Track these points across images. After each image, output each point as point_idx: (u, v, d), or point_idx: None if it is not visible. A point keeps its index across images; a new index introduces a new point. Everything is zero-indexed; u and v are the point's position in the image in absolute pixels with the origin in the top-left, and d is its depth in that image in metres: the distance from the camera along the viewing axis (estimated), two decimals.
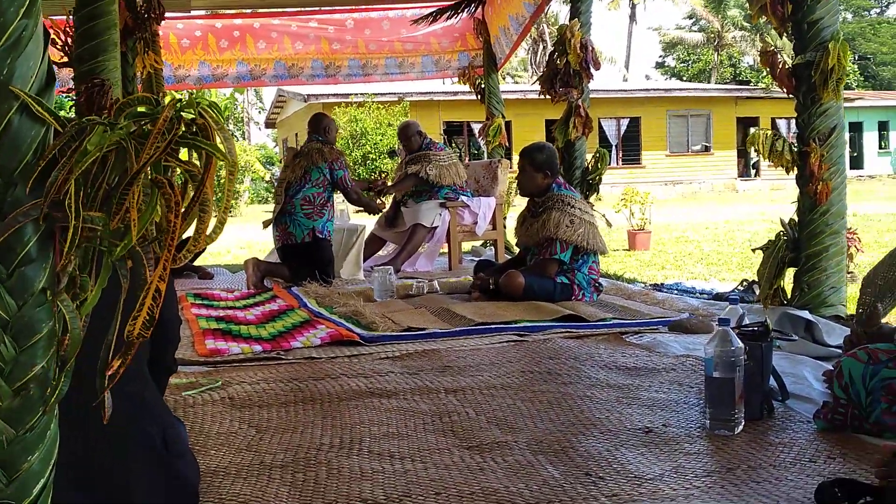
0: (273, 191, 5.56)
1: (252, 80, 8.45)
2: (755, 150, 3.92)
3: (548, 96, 5.99)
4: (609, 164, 12.58)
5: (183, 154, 1.27)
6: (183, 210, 1.23)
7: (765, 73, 28.05)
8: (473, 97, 8.44)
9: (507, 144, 8.24)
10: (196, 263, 6.72)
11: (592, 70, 5.78)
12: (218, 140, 1.27)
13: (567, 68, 5.76)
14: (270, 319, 4.14)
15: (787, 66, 3.81)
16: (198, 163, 1.25)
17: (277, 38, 8.37)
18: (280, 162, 32.01)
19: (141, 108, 1.23)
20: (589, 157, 6.06)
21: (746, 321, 2.72)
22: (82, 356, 1.16)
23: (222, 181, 1.41)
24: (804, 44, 3.75)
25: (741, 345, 2.23)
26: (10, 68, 1.09)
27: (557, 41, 5.91)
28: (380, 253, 6.74)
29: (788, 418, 2.33)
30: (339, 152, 5.65)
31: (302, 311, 4.35)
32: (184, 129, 1.22)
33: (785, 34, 3.80)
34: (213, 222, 1.30)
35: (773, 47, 3.90)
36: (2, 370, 1.10)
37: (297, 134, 26.87)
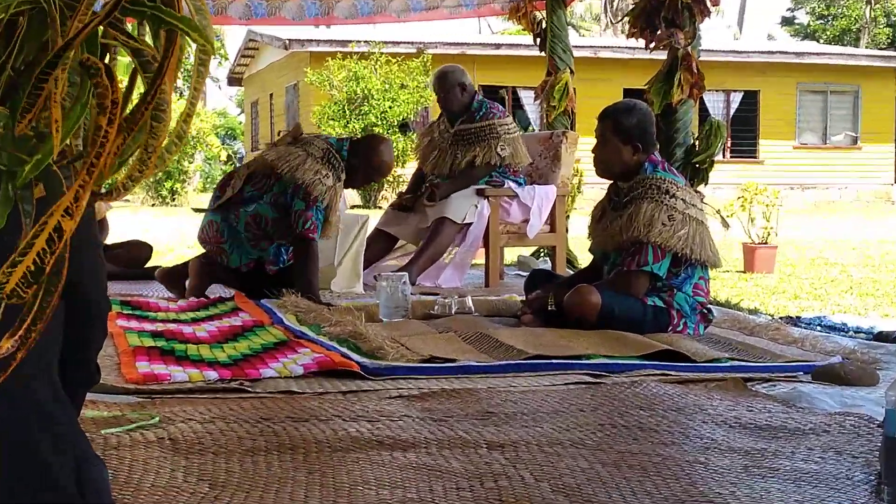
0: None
1: (214, 14, 8.36)
2: None
3: (640, 40, 5.94)
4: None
5: (132, 30, 1.21)
6: (128, 114, 1.14)
7: None
8: (520, 52, 8.42)
9: (572, 112, 8.17)
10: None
11: (709, 3, 5.73)
12: (187, 9, 1.19)
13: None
14: (231, 338, 4.18)
15: None
16: (152, 42, 1.18)
17: None
18: (242, 136, 32.29)
19: None
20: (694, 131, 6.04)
21: None
22: None
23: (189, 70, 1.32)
24: None
25: None
26: None
27: None
28: (388, 262, 6.70)
29: None
30: (334, 181, 5.31)
31: (276, 328, 4.38)
32: None
33: None
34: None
35: None
36: None
37: (271, 95, 27.08)
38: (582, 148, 7.36)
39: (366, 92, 20.95)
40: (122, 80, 1.18)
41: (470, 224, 6.30)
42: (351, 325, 4.26)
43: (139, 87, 1.21)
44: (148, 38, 1.21)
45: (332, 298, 5.50)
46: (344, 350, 3.84)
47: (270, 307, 4.93)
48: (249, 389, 3.30)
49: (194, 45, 1.21)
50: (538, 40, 8.25)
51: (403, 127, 22.10)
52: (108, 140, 1.12)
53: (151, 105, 1.16)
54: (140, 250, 6.89)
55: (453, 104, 6.47)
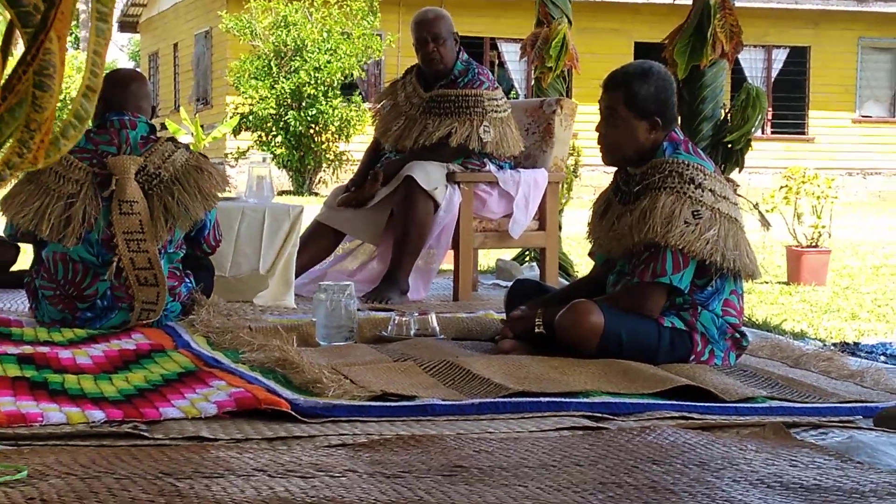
0: None
1: None
2: None
3: None
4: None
5: None
6: (3, 81, 1.15)
7: None
8: None
9: (568, 74, 8.21)
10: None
11: None
12: None
13: None
14: (122, 367, 4.13)
15: None
16: None
17: None
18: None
19: None
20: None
21: None
22: None
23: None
24: None
25: None
26: None
27: None
28: (341, 265, 6.70)
29: None
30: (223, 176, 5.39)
31: (182, 354, 4.35)
32: None
33: None
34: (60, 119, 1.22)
35: None
36: None
37: (175, 45, 27.02)
38: (580, 119, 7.40)
39: (298, 42, 20.92)
40: None
41: (437, 208, 6.30)
42: (279, 351, 4.23)
43: (14, 44, 1.22)
44: None
45: (256, 315, 5.49)
46: (270, 384, 3.79)
47: (174, 326, 4.90)
48: (146, 435, 3.25)
49: None
50: None
51: (348, 88, 22.09)
52: None
53: (32, 68, 1.17)
54: (3, 252, 6.85)
55: (446, 60, 6.48)
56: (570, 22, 8.09)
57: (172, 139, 5.34)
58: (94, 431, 3.26)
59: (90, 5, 1.24)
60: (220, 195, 5.32)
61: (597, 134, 4.58)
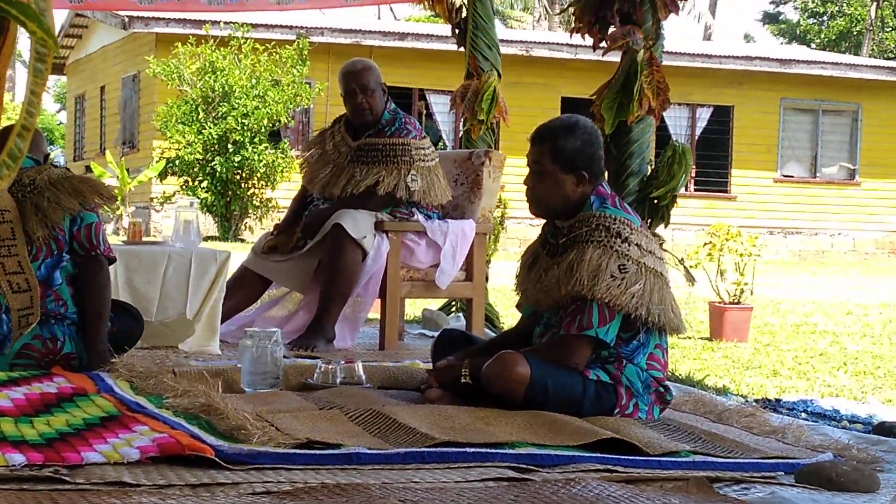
0: None
1: None
2: None
3: (586, 38, 6.02)
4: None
5: None
6: None
7: None
8: (430, 45, 8.50)
9: (496, 126, 8.25)
10: None
11: None
12: None
13: None
14: (43, 410, 4.11)
15: None
16: None
17: None
18: (62, 140, 31.84)
19: None
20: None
21: None
22: None
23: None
24: None
25: None
26: None
27: None
28: (269, 313, 6.69)
29: None
30: (106, 187, 5.46)
31: (104, 398, 4.33)
32: None
33: None
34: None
35: None
36: None
37: (102, 88, 26.86)
38: (507, 172, 7.44)
39: (225, 88, 20.87)
40: None
41: (365, 256, 6.29)
42: (203, 397, 4.21)
43: None
44: None
45: (180, 360, 5.45)
46: (194, 429, 3.78)
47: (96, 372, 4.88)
48: (67, 479, 3.22)
49: (28, 37, 1.22)
50: (456, 31, 8.33)
51: (275, 135, 22.05)
52: None
53: None
54: None
55: (375, 111, 6.51)
56: (499, 75, 8.14)
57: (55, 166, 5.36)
58: (13, 475, 3.22)
59: (30, 48, 1.24)
60: (99, 199, 5.25)
61: (524, 187, 4.59)
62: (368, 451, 3.66)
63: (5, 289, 4.97)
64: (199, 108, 20.92)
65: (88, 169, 23.08)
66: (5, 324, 5.05)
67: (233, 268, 6.40)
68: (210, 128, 20.66)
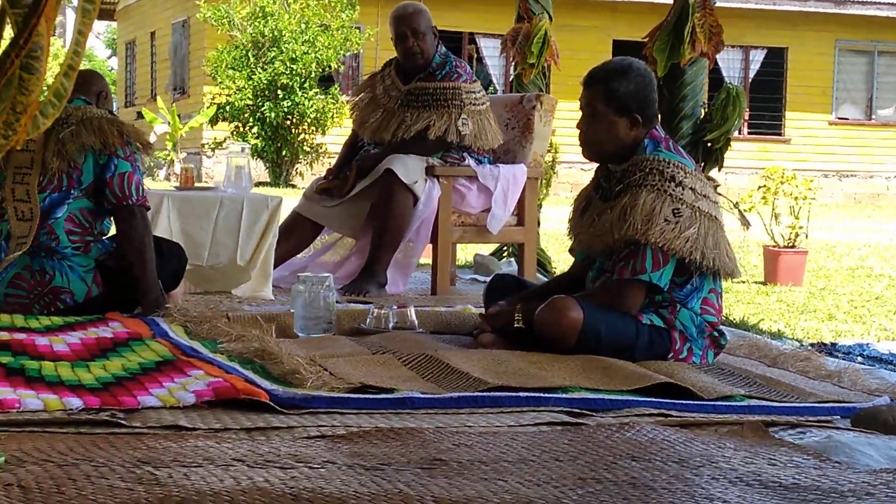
0: None
1: None
2: None
3: None
4: None
5: None
6: None
7: None
8: None
9: (548, 69, 8.21)
10: None
11: None
12: None
13: None
14: (99, 355, 4.12)
15: None
16: None
17: None
18: (113, 86, 31.98)
19: None
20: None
21: None
22: None
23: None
24: None
25: None
26: None
27: None
28: (322, 258, 6.71)
29: None
30: (132, 131, 5.30)
31: (159, 343, 4.34)
32: None
33: None
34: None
35: None
36: None
37: (153, 34, 26.92)
38: (558, 116, 7.39)
39: (275, 33, 20.86)
40: None
41: (417, 201, 6.29)
42: (257, 342, 4.23)
43: (7, 29, 1.20)
44: None
45: (234, 306, 5.47)
46: (248, 374, 3.79)
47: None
48: (124, 423, 3.24)
49: None
50: None
51: (325, 80, 22.02)
52: None
53: (24, 52, 1.15)
54: None
55: (426, 54, 6.48)
56: (550, 18, 8.09)
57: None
58: (71, 419, 3.26)
59: None
60: (131, 144, 5.19)
61: (577, 130, 4.58)
62: (422, 396, 3.68)
63: (11, 214, 5.00)
64: (250, 54, 20.93)
65: (140, 115, 23.16)
66: (4, 251, 5.08)
67: (284, 213, 6.41)
68: (259, 73, 20.66)
